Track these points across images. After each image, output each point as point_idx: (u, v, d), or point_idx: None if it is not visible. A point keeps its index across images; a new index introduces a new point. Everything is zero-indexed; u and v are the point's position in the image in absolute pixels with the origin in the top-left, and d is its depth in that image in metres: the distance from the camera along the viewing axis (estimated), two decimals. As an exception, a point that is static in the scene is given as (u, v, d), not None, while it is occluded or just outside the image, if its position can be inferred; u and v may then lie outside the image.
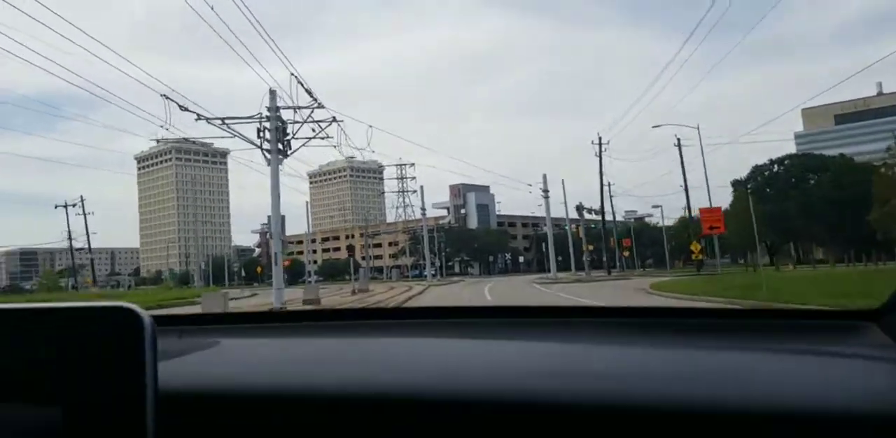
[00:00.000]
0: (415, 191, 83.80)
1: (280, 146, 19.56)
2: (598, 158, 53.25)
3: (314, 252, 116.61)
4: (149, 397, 0.63)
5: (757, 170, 74.73)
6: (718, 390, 0.75)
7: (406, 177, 79.58)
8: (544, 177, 50.64)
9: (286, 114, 20.12)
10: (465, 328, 1.17)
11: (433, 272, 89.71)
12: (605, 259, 57.36)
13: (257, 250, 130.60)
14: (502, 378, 0.81)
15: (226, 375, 0.87)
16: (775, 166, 75.47)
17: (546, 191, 49.27)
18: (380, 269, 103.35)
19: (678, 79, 55.64)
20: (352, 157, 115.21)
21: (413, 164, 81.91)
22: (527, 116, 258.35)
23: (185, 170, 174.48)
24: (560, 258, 52.00)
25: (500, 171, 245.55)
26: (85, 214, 66.32)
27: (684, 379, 0.81)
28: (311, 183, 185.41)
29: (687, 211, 54.93)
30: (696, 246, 38.94)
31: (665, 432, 0.69)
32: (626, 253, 67.23)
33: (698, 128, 49.41)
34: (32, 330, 0.66)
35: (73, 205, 65.52)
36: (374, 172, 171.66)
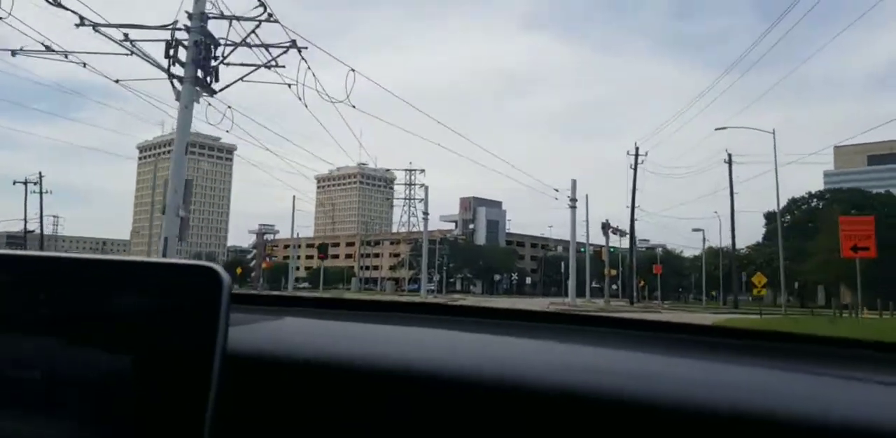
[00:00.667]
0: (421, 200, 77.76)
1: (200, 73, 12.97)
2: (631, 175, 47.03)
3: (309, 258, 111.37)
4: (217, 353, 0.67)
5: (793, 204, 68.78)
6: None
7: (414, 184, 74.05)
8: (573, 183, 43.57)
9: (217, 28, 13.80)
10: (505, 327, 1.18)
11: (431, 287, 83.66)
12: (628, 286, 50.89)
13: (253, 252, 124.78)
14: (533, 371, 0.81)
15: (289, 345, 0.90)
16: (814, 200, 69.38)
17: (574, 199, 42.90)
18: (378, 281, 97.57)
19: (712, 110, 49.54)
20: (364, 164, 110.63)
21: (423, 170, 76.40)
22: (553, 136, 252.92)
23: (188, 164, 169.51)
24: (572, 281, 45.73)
25: (515, 185, 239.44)
26: (42, 193, 60.17)
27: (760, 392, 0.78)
28: (318, 186, 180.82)
29: (731, 237, 48.09)
30: (759, 279, 31.64)
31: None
32: (642, 283, 61.47)
33: (773, 134, 41.48)
34: (119, 281, 0.71)
35: (35, 183, 59.61)
36: (384, 181, 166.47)
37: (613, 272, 50.24)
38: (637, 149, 45.44)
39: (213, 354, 0.67)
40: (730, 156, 43.54)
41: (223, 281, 0.68)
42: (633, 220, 46.08)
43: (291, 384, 0.81)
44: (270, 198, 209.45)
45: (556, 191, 42.51)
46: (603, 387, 0.74)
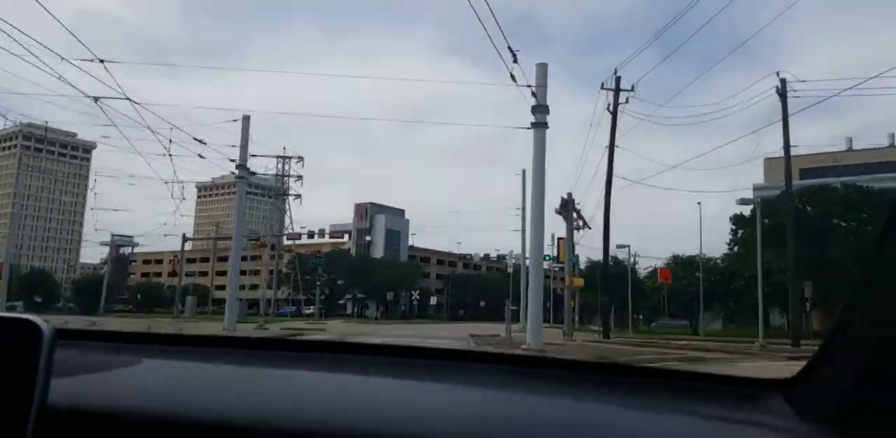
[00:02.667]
0: (297, 197, 60.01)
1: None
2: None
3: (189, 274, 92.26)
4: (34, 409, 0.63)
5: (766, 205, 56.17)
6: None
7: (288, 176, 58.09)
8: (523, 172, 28.06)
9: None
10: (366, 365, 1.19)
11: (314, 310, 65.90)
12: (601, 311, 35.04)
13: (104, 268, 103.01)
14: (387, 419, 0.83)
15: (118, 396, 0.87)
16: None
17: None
18: (252, 303, 79.24)
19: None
20: (252, 173, 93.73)
21: (301, 158, 59.32)
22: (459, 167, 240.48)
23: (32, 163, 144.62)
24: (508, 305, 29.19)
25: (419, 213, 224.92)
26: None
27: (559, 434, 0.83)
28: (199, 196, 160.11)
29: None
30: None
31: None
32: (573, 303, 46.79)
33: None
34: None
35: None
36: (272, 190, 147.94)
37: (579, 282, 34.38)
38: (617, 80, 30.37)
39: (28, 410, 0.63)
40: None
41: (43, 335, 0.64)
42: (607, 223, 30.48)
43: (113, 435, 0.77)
44: (146, 208, 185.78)
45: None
46: None
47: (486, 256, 60.86)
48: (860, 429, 0.80)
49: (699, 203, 68.55)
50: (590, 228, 34.97)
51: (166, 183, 56.40)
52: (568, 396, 1.05)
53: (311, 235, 63.38)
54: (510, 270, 67.82)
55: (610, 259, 41.99)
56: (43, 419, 0.63)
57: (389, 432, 0.79)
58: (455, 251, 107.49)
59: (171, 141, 25.43)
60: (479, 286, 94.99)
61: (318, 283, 67.71)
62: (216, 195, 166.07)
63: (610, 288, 30.50)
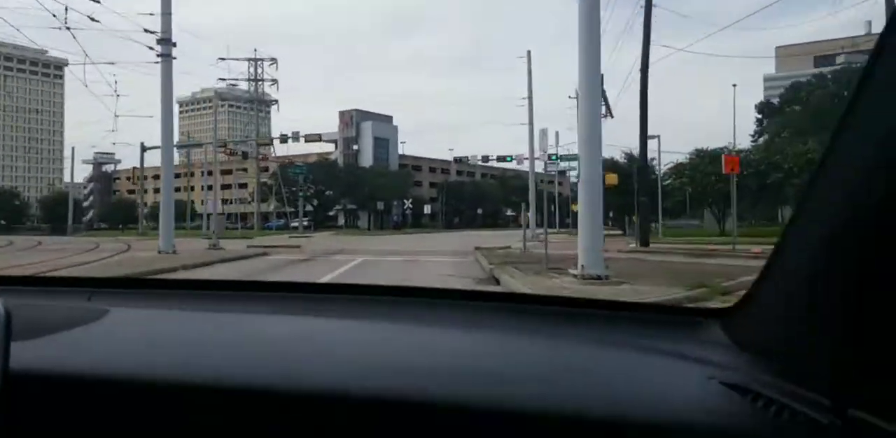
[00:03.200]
0: (274, 103, 55.81)
1: None
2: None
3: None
4: None
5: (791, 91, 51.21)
6: (527, 383, 0.78)
7: (263, 80, 53.39)
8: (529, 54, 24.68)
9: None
10: (294, 303, 1.22)
11: (297, 224, 63.22)
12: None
13: (90, 186, 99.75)
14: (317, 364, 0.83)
15: (85, 353, 0.87)
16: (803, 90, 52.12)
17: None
18: (242, 216, 76.48)
19: None
20: (233, 84, 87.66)
21: (274, 61, 53.92)
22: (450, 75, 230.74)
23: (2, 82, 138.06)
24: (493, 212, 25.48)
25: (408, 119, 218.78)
26: None
27: (483, 371, 0.84)
28: (180, 111, 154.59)
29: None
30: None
31: (467, 425, 0.69)
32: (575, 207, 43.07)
33: None
34: None
35: None
36: (257, 103, 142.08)
37: (612, 178, 27.88)
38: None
39: None
40: None
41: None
42: (646, 63, 22.79)
43: (85, 397, 0.77)
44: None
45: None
46: None
47: (485, 158, 55.67)
48: (793, 359, 0.80)
49: (734, 85, 63.11)
50: (612, 117, 29.72)
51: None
52: (514, 331, 1.06)
53: (283, 140, 59.05)
54: (517, 166, 63.07)
55: (630, 152, 36.82)
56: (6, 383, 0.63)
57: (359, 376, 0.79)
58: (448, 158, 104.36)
59: (66, 9, 20.67)
60: (475, 193, 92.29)
61: (301, 194, 64.53)
62: (198, 110, 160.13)
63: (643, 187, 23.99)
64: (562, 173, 39.92)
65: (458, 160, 76.26)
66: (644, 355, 0.95)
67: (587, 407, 0.72)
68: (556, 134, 39.06)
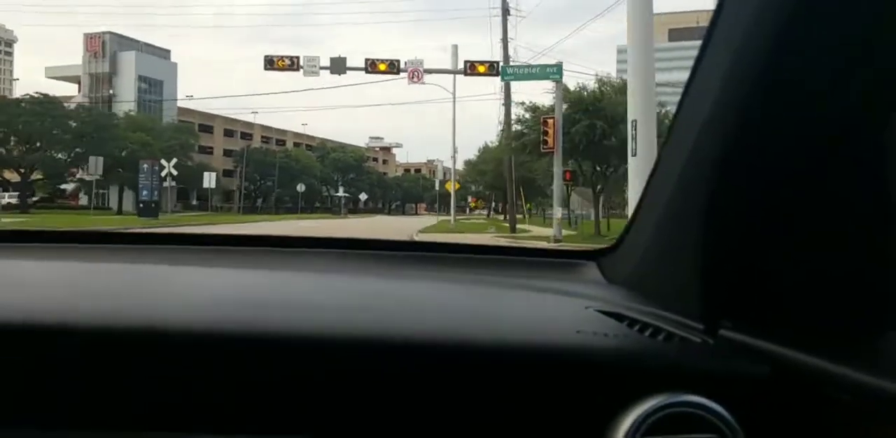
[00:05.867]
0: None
1: None
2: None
3: None
4: None
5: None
6: (420, 320, 0.81)
7: None
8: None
9: None
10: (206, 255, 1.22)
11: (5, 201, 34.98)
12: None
13: None
14: (223, 308, 0.82)
15: None
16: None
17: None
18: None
19: None
20: None
21: None
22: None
23: None
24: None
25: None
26: None
27: (384, 309, 0.88)
28: None
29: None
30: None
31: (363, 362, 0.71)
32: None
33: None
34: None
35: None
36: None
37: None
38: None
39: None
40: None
41: None
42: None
43: None
44: None
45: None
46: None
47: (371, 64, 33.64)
48: (664, 291, 0.87)
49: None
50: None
51: None
52: (397, 276, 1.11)
53: None
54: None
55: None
56: None
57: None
58: (252, 120, 78.05)
59: None
60: (293, 168, 67.00)
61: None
62: None
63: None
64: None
65: (248, 135, 51.16)
66: (521, 291, 1.00)
67: (469, 336, 0.75)
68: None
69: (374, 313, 0.84)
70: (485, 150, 48.54)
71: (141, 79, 59.93)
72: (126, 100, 57.02)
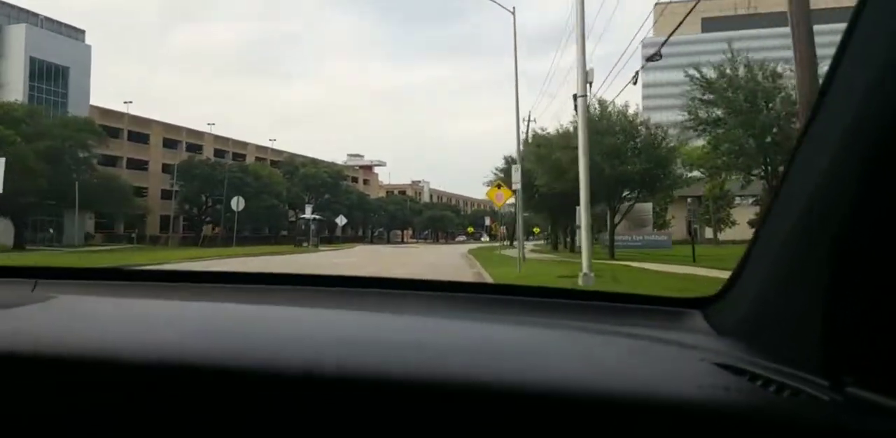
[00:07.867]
0: None
1: None
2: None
3: None
4: None
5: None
6: (519, 368, 0.78)
7: None
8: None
9: None
10: (275, 295, 1.25)
11: None
12: None
13: None
14: (298, 347, 0.83)
15: (63, 333, 0.86)
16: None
17: None
18: None
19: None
20: None
21: None
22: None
23: None
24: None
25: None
26: None
27: (485, 354, 0.85)
28: None
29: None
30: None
31: (459, 409, 0.69)
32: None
33: None
34: None
35: None
36: None
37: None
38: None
39: None
40: None
41: None
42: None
43: (59, 375, 0.75)
44: None
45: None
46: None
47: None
48: (781, 342, 0.81)
49: None
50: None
51: None
52: (491, 321, 1.09)
53: None
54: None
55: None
56: None
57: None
58: (201, 129, 62.74)
59: None
60: (253, 186, 51.58)
61: None
62: None
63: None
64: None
65: (198, 148, 36.67)
66: (626, 340, 0.96)
67: (581, 387, 0.72)
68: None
69: (479, 358, 0.82)
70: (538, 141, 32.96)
71: (36, 64, 44.45)
72: (13, 90, 41.44)
